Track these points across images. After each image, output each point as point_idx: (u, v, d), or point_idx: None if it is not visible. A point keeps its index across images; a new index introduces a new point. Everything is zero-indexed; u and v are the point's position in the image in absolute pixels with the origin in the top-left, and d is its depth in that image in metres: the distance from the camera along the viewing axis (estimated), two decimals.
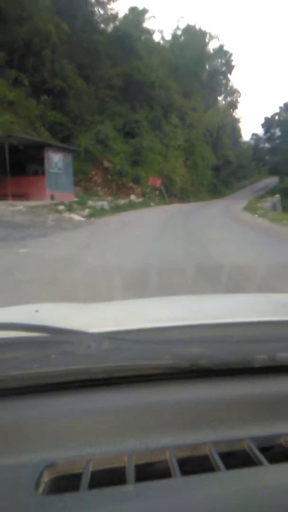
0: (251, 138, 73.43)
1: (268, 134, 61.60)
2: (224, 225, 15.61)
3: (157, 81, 37.41)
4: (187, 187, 39.37)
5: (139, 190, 30.31)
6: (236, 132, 57.05)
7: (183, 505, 0.47)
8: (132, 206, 24.64)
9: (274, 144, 59.85)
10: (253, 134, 70.74)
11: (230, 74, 57.07)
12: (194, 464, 0.55)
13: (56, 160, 20.37)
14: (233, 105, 57.92)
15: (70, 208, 17.13)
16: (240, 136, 59.38)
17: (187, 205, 30.60)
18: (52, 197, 19.08)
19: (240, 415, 0.64)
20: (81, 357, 0.71)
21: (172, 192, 35.78)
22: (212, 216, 19.77)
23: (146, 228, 13.39)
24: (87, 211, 17.39)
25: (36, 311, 1.17)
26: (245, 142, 71.45)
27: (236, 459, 0.56)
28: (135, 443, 0.58)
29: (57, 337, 0.81)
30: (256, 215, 19.72)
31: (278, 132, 59.96)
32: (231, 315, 1.15)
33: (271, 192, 57.75)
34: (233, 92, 63.83)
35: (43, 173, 19.79)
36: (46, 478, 0.52)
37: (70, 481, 0.52)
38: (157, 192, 32.24)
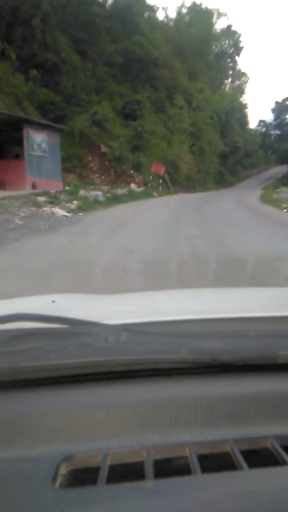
0: (258, 125, 69.49)
1: (278, 120, 57.58)
2: (252, 224, 11.62)
3: (161, 59, 33.61)
4: (192, 175, 35.96)
5: (140, 179, 26.97)
6: (243, 118, 53.11)
7: (205, 503, 0.46)
8: (132, 196, 21.39)
9: (284, 131, 55.92)
10: (260, 121, 66.62)
11: (238, 56, 52.81)
12: (214, 462, 0.53)
13: (39, 140, 16.94)
14: (240, 89, 53.68)
15: (54, 199, 13.92)
16: (247, 122, 55.61)
17: (194, 196, 27.09)
18: (34, 186, 15.71)
19: (263, 412, 0.62)
20: (99, 349, 0.69)
21: (176, 181, 32.38)
22: (229, 210, 15.83)
23: (149, 233, 9.04)
24: (75, 203, 14.17)
25: (53, 301, 1.14)
26: (252, 130, 67.36)
27: (259, 457, 0.54)
28: (154, 438, 0.57)
29: (74, 328, 0.78)
30: (285, 210, 16.10)
31: None
32: (253, 309, 1.09)
33: (282, 181, 54.30)
34: (241, 75, 59.72)
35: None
36: (63, 470, 0.51)
37: (87, 475, 0.51)
38: (160, 181, 28.74)
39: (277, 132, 58.52)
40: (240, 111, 53.84)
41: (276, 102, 57.38)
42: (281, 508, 0.45)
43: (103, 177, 25.55)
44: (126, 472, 0.51)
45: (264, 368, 0.70)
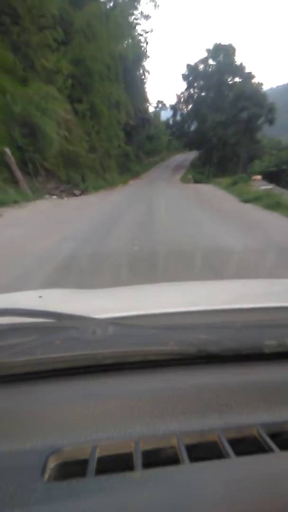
0: (157, 106, 52.88)
1: (191, 90, 41.22)
2: None
3: None
4: (79, 155, 16.78)
5: None
6: (141, 91, 35.56)
7: (193, 491, 0.44)
8: None
9: (198, 104, 39.80)
10: (158, 101, 50.00)
11: None
12: (202, 451, 0.51)
13: None
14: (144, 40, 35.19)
15: None
16: (146, 99, 38.26)
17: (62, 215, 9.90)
18: None
19: (249, 401, 0.60)
20: (87, 342, 0.66)
21: (41, 168, 12.94)
22: None
23: None
24: None
25: (40, 297, 1.09)
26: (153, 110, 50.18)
27: (245, 445, 0.52)
28: (142, 429, 0.54)
29: (61, 322, 0.75)
30: None
31: (202, 84, 39.90)
32: (238, 301, 1.05)
33: (196, 170, 38.78)
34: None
35: None
36: (52, 464, 0.49)
37: (76, 467, 0.48)
38: None
39: (189, 107, 42.15)
40: (142, 74, 35.79)
41: (188, 66, 40.81)
42: (268, 494, 0.44)
43: None
44: (116, 464, 0.49)
45: (250, 358, 0.67)
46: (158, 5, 28.73)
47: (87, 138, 18.87)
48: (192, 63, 41.01)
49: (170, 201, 12.37)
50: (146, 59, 30.31)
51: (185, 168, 42.82)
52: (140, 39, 29.94)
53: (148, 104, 36.69)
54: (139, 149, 40.03)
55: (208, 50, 39.87)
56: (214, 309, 0.90)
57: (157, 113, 52.47)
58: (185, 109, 42.83)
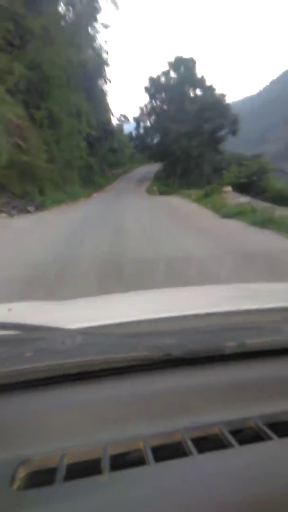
0: (119, 119, 51.82)
1: (153, 103, 40.38)
2: None
3: None
4: (36, 166, 14.90)
5: None
6: (103, 102, 33.86)
7: (157, 490, 0.45)
8: None
9: (161, 116, 39.01)
10: (121, 115, 48.92)
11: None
12: (169, 451, 0.53)
13: None
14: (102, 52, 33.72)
15: None
16: (109, 110, 36.58)
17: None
18: None
19: (211, 401, 0.62)
20: (56, 353, 0.67)
21: None
22: None
23: None
24: None
25: (9, 309, 1.08)
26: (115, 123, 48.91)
27: (209, 443, 0.55)
28: (110, 435, 0.55)
29: (30, 334, 0.75)
30: None
31: (164, 96, 39.15)
32: (201, 306, 1.07)
33: (161, 182, 37.80)
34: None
35: None
36: (21, 474, 0.48)
37: (46, 476, 0.49)
38: None
39: (152, 120, 41.27)
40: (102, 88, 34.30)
41: (150, 79, 40.04)
42: (230, 488, 0.45)
43: None
44: (85, 470, 0.49)
45: (213, 359, 0.69)
46: (118, 8, 27.52)
47: (45, 148, 17.03)
48: (154, 76, 40.41)
49: (142, 218, 10.74)
50: (106, 68, 28.91)
51: (149, 180, 41.69)
52: (100, 49, 28.65)
53: (111, 115, 35.27)
54: (103, 162, 38.50)
55: (169, 63, 39.42)
56: (179, 315, 0.91)
57: (120, 126, 51.44)
58: (148, 122, 41.99)
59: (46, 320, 0.88)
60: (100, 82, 29.50)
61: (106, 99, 33.74)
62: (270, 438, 0.53)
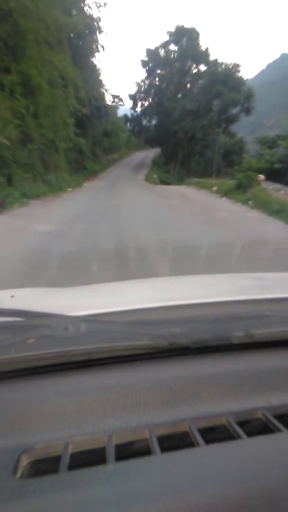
0: (113, 101, 46.56)
1: (151, 79, 35.35)
2: None
3: None
4: (1, 147, 10.31)
5: None
6: (95, 73, 28.42)
7: (163, 480, 0.44)
8: None
9: (160, 93, 34.09)
10: (114, 96, 43.51)
11: None
12: (175, 441, 0.52)
13: None
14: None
15: None
16: (101, 84, 31.02)
17: None
18: None
19: (218, 391, 0.61)
20: (59, 340, 0.65)
21: None
22: None
23: None
24: None
25: (12, 296, 1.05)
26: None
27: (216, 434, 0.53)
28: (115, 423, 0.54)
29: (34, 321, 0.73)
30: None
31: (163, 71, 34.06)
32: (207, 295, 1.03)
33: (161, 169, 33.46)
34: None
35: None
36: (24, 462, 0.48)
37: (50, 464, 0.48)
38: None
39: (150, 99, 36.30)
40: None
41: (148, 51, 34.91)
42: (236, 480, 0.44)
43: None
44: (90, 459, 0.48)
45: (220, 349, 0.68)
46: None
47: (17, 122, 12.39)
48: (153, 48, 35.26)
49: (163, 230, 6.28)
50: (99, 33, 23.82)
51: (147, 166, 37.16)
52: (91, 12, 23.51)
53: (104, 90, 30.17)
54: (96, 146, 33.59)
55: (170, 33, 34.27)
56: (185, 304, 0.89)
57: (114, 108, 46.25)
58: (146, 101, 37.08)
59: (49, 307, 0.85)
60: (91, 48, 24.35)
61: (98, 71, 28.41)
62: (278, 430, 0.52)
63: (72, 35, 20.64)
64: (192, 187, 16.53)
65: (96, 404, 0.57)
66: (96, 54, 25.59)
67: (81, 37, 21.72)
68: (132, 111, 38.71)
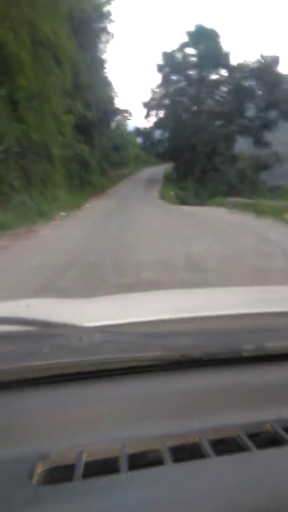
0: (122, 113, 42.09)
1: (167, 85, 30.53)
2: None
3: None
4: None
5: None
6: (102, 68, 22.87)
7: (175, 491, 0.44)
8: None
9: (175, 103, 29.24)
10: (123, 110, 38.89)
11: None
12: (186, 452, 0.52)
13: None
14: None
15: None
16: (110, 84, 26.01)
17: None
18: None
19: (228, 403, 0.61)
20: (73, 350, 0.66)
21: None
22: None
23: None
24: None
25: (27, 306, 1.07)
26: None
27: (227, 445, 0.53)
28: (128, 433, 0.54)
29: (48, 330, 0.73)
30: None
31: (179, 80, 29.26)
32: (218, 308, 1.05)
33: (176, 185, 28.68)
34: None
35: None
36: (39, 469, 0.48)
37: (64, 472, 0.48)
38: None
39: (163, 108, 31.48)
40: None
41: (164, 54, 30.23)
42: (247, 492, 0.44)
43: None
44: (103, 468, 0.48)
45: (230, 362, 0.68)
46: None
47: None
48: (169, 51, 30.63)
49: None
50: (108, 19, 18.99)
51: (158, 182, 32.30)
52: None
53: (113, 92, 25.23)
54: (104, 160, 28.70)
55: (189, 34, 29.67)
56: (197, 316, 0.89)
57: (123, 120, 41.76)
58: (160, 110, 32.31)
59: (64, 317, 0.85)
60: (99, 38, 19.51)
61: (105, 65, 23.09)
62: (287, 442, 0.52)
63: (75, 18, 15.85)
64: (238, 212, 11.24)
65: (109, 414, 0.57)
66: (105, 47, 20.63)
67: (86, 22, 16.85)
68: (145, 123, 34.02)
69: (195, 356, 0.65)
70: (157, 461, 0.49)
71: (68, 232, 7.42)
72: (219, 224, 9.24)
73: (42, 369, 0.61)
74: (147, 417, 0.57)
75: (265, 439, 0.54)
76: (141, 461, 0.50)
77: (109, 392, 0.62)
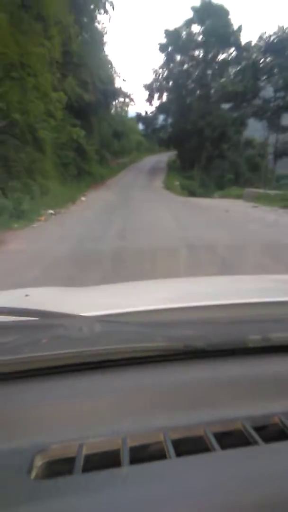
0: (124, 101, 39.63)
1: (171, 65, 28.13)
2: None
3: None
4: None
5: None
6: (101, 43, 19.62)
7: (178, 485, 0.43)
8: None
9: (178, 84, 26.88)
10: (124, 94, 36.42)
11: None
12: (190, 445, 0.51)
13: None
14: None
15: None
16: (109, 62, 22.41)
17: None
18: None
19: (234, 395, 0.59)
20: (73, 340, 0.64)
21: None
22: None
23: None
24: None
25: (26, 295, 1.04)
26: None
27: (232, 439, 0.52)
28: (130, 426, 0.53)
29: (48, 321, 0.72)
30: None
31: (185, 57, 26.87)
32: (223, 297, 1.01)
33: (182, 174, 26.61)
34: None
35: None
36: (38, 463, 0.47)
37: (64, 466, 0.47)
38: None
39: (166, 91, 29.10)
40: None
41: (167, 32, 27.70)
42: (252, 486, 0.42)
43: None
44: (104, 461, 0.47)
45: (236, 352, 0.66)
46: None
47: None
48: (172, 29, 28.09)
49: None
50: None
51: (162, 171, 30.19)
52: None
53: (113, 72, 22.81)
54: (104, 148, 26.47)
55: (194, 9, 27.12)
56: (201, 305, 0.86)
57: (125, 105, 39.19)
58: (163, 93, 29.97)
59: (64, 306, 0.82)
60: (96, 13, 17.13)
61: (104, 41, 20.65)
62: None
63: None
64: (262, 206, 9.27)
65: (110, 406, 0.55)
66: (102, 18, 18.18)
67: None
68: (146, 109, 31.67)
69: (199, 347, 0.63)
70: (160, 455, 0.47)
71: (48, 244, 5.31)
72: (251, 224, 7.26)
73: (41, 360, 0.59)
74: (149, 410, 0.55)
75: (272, 432, 0.52)
76: (143, 454, 0.49)
77: (110, 383, 0.59)
